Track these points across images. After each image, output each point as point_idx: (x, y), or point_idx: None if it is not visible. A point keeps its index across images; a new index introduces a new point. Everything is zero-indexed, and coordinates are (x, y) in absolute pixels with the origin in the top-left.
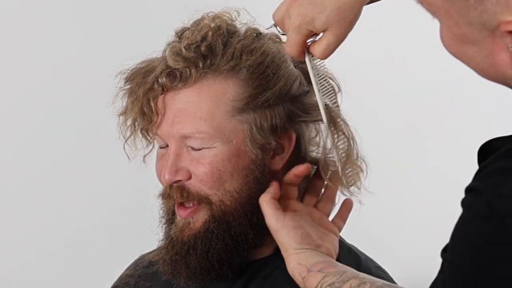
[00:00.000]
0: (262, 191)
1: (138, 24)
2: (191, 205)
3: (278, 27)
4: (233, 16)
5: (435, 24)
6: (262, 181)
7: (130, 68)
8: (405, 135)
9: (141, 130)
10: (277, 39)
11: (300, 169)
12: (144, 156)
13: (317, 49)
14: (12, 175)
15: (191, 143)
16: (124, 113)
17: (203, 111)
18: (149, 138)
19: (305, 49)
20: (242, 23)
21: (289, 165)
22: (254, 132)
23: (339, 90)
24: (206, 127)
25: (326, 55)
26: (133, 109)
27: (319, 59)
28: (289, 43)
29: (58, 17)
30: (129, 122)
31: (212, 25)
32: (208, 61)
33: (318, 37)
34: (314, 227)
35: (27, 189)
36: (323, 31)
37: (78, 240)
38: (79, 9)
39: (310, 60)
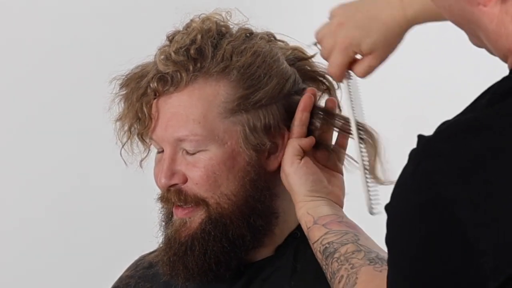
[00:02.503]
0: (258, 192)
1: (131, 29)
2: (189, 206)
3: (319, 45)
4: (224, 18)
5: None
6: (258, 182)
7: (125, 74)
8: (406, 135)
9: (138, 135)
10: (271, 38)
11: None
12: (141, 161)
13: (359, 70)
14: (12, 177)
15: (185, 146)
16: (120, 118)
17: (195, 114)
18: (146, 143)
19: (346, 70)
20: (234, 23)
21: None
22: (248, 133)
23: (338, 87)
24: (200, 130)
25: (366, 75)
26: (128, 115)
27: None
28: (334, 64)
29: (52, 22)
30: (125, 128)
31: (202, 27)
32: (198, 64)
33: (359, 57)
34: (323, 170)
35: (28, 191)
36: (368, 54)
37: (78, 241)
38: (72, 15)
39: (348, 80)
